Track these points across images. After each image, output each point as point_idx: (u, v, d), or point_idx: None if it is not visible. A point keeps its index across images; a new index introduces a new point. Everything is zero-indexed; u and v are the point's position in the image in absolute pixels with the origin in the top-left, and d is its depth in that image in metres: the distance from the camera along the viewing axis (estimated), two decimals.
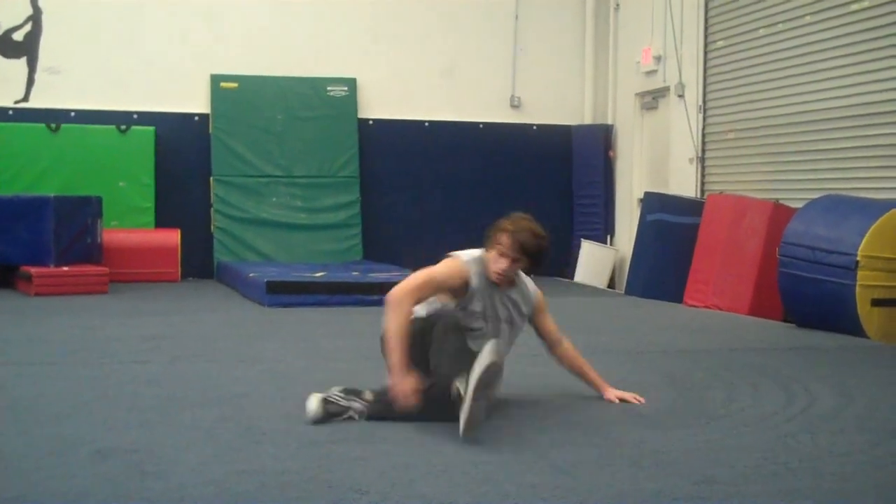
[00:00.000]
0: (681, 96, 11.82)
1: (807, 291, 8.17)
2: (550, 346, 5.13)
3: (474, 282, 4.71)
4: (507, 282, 4.79)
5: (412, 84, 13.47)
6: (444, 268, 4.73)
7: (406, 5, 13.46)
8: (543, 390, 5.36)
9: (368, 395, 4.59)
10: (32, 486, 3.51)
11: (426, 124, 13.54)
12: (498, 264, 4.69)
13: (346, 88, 13.11)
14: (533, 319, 5.04)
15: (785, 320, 8.88)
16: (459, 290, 4.70)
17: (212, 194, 12.66)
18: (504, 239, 4.67)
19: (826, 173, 9.64)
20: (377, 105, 13.36)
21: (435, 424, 4.35)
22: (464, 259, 4.76)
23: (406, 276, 4.87)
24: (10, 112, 12.23)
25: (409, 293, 4.57)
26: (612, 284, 13.00)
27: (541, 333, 5.13)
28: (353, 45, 13.25)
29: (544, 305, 5.08)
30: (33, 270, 10.31)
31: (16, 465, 3.75)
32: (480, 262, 4.76)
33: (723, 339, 7.74)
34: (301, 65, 13.00)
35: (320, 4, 13.19)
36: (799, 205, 8.95)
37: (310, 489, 3.52)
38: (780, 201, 9.72)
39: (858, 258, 7.79)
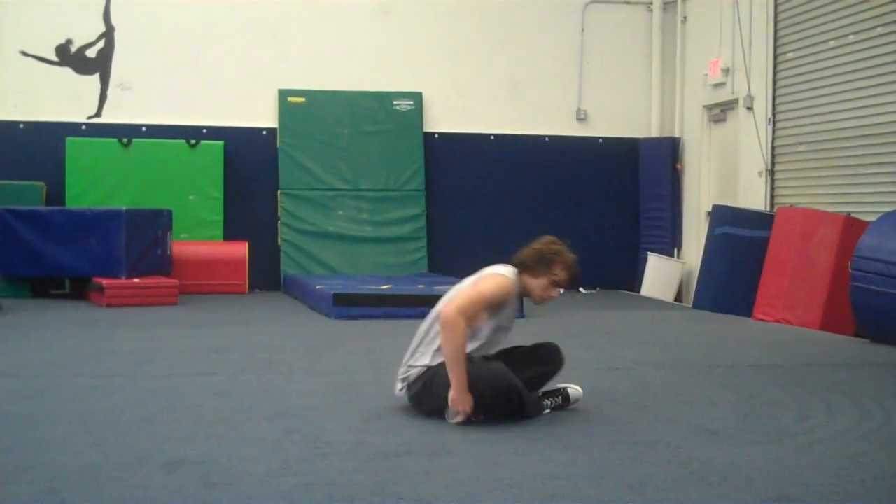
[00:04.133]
0: (750, 108, 11.68)
1: (880, 306, 8.00)
2: None
3: (513, 298, 4.99)
4: None
5: (478, 97, 13.48)
6: (495, 286, 4.88)
7: (471, 19, 13.48)
8: (613, 405, 5.32)
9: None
10: (105, 497, 3.56)
11: (492, 137, 13.54)
12: (550, 293, 4.97)
13: (411, 102, 13.16)
14: None
15: (857, 335, 8.71)
16: (501, 306, 4.91)
17: (279, 207, 12.77)
18: (562, 273, 4.94)
19: None
20: (443, 119, 13.40)
21: (503, 440, 4.39)
22: (510, 277, 4.93)
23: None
24: (83, 127, 12.46)
25: (462, 312, 4.72)
26: (678, 298, 12.87)
27: None
28: (418, 60, 13.30)
29: None
30: (105, 282, 10.48)
31: (88, 477, 3.80)
32: (516, 278, 4.96)
33: (794, 354, 7.61)
34: (367, 79, 13.09)
35: (386, 20, 13.26)
36: (871, 218, 8.79)
37: (377, 502, 3.52)
38: (852, 214, 9.56)
39: None
